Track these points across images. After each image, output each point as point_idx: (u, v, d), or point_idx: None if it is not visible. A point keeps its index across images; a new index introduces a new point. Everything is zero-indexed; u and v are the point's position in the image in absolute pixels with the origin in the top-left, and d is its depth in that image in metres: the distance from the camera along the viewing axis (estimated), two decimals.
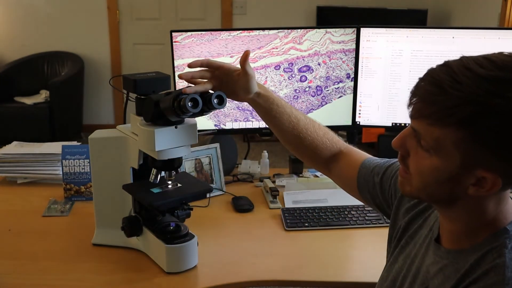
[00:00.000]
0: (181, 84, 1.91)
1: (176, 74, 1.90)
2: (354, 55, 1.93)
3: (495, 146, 0.78)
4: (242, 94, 1.28)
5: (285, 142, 1.33)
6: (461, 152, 0.80)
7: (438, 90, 0.80)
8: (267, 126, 1.96)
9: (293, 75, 1.93)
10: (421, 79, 0.84)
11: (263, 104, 1.29)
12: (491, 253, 0.84)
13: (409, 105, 0.86)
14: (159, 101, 1.29)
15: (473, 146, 0.79)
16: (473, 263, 0.85)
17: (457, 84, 0.78)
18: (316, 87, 1.95)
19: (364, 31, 1.92)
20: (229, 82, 1.29)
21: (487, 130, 0.77)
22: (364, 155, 1.29)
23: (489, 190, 0.82)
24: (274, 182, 1.95)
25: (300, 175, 2.05)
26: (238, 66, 1.27)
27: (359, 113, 1.99)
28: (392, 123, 1.98)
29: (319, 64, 1.93)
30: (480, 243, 0.87)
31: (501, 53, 0.81)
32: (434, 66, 0.84)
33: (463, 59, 0.81)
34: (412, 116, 0.85)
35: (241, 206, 1.78)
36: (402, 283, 1.01)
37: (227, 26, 4.96)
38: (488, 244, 0.86)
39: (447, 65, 0.82)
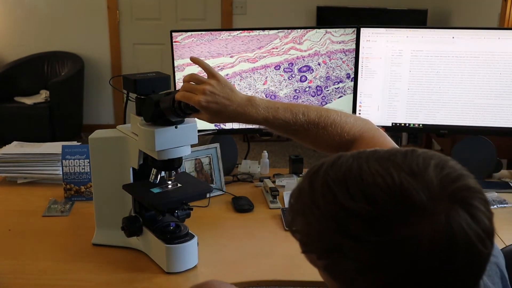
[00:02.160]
0: (181, 84, 1.91)
1: (176, 74, 1.91)
2: (354, 55, 1.93)
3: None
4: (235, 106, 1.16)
5: (303, 143, 1.22)
6: (334, 279, 0.69)
7: (299, 208, 0.70)
8: None
9: (293, 75, 1.93)
10: (298, 185, 0.72)
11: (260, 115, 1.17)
12: None
13: None
14: (159, 101, 1.29)
15: (338, 280, 0.68)
16: None
17: (315, 207, 0.66)
18: (316, 87, 1.95)
19: (364, 31, 1.92)
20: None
21: (342, 271, 0.66)
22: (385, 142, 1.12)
23: None
24: (274, 182, 1.95)
25: (300, 175, 2.05)
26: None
27: (359, 113, 1.99)
28: (392, 123, 1.98)
29: (319, 64, 1.93)
30: None
31: (390, 164, 0.64)
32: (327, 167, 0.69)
33: (350, 166, 0.66)
34: None
35: (241, 206, 1.78)
36: None
37: (227, 26, 4.96)
38: None
39: (323, 173, 0.68)
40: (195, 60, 1.26)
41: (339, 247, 0.63)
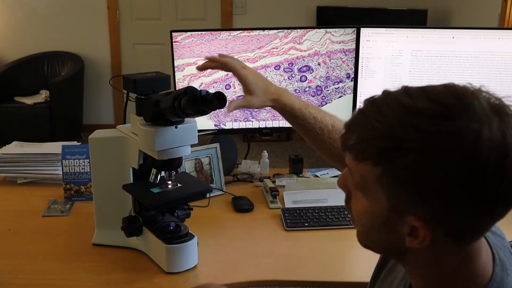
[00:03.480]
0: (181, 84, 1.91)
1: (176, 74, 1.91)
2: (354, 55, 1.93)
3: (414, 187, 0.68)
4: (255, 100, 1.24)
5: (315, 148, 1.28)
6: (386, 192, 0.71)
7: (361, 121, 0.73)
8: (267, 126, 1.98)
9: (293, 75, 1.93)
10: (358, 108, 0.77)
11: (280, 112, 1.25)
12: None
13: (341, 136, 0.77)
14: (159, 101, 1.29)
15: (394, 186, 0.69)
16: None
17: (379, 115, 0.70)
18: (316, 87, 1.95)
19: (364, 31, 1.92)
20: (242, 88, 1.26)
21: (402, 168, 0.68)
22: None
23: (421, 242, 0.71)
24: (274, 182, 1.95)
25: (300, 175, 2.05)
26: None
27: None
28: None
29: (319, 64, 1.93)
30: None
31: (446, 84, 0.73)
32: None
33: (403, 88, 0.75)
34: (342, 150, 0.77)
35: (241, 206, 1.78)
36: None
37: (227, 26, 4.96)
38: None
39: (384, 93, 0.75)
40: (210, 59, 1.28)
41: (401, 143, 0.67)
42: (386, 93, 0.74)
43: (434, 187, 0.67)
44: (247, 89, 1.24)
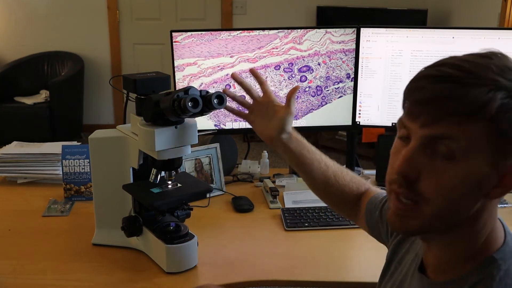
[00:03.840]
0: (181, 84, 1.91)
1: (176, 74, 1.90)
2: (354, 55, 1.93)
3: None
4: (275, 132, 1.21)
5: (313, 188, 1.25)
6: (494, 146, 0.72)
7: (456, 85, 0.72)
8: None
9: (293, 75, 1.93)
10: (418, 83, 0.77)
11: (294, 148, 1.22)
12: (479, 285, 0.77)
13: (413, 112, 0.76)
14: (159, 101, 1.29)
15: (501, 136, 0.72)
16: None
17: (472, 75, 0.72)
18: (316, 87, 1.95)
19: (364, 31, 1.92)
20: (264, 116, 1.24)
21: (508, 123, 0.71)
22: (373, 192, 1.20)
23: (510, 188, 0.76)
24: (274, 182, 1.95)
25: None
26: (276, 98, 1.25)
27: (359, 113, 1.99)
28: (392, 123, 1.98)
29: (319, 64, 1.93)
30: (466, 274, 0.79)
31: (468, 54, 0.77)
32: (422, 69, 0.78)
33: (450, 57, 0.77)
34: (425, 123, 0.75)
35: (241, 206, 1.78)
36: None
37: (227, 26, 4.96)
38: (475, 276, 0.78)
39: (441, 63, 0.76)
40: (236, 78, 1.31)
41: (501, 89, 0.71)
42: (444, 62, 0.77)
43: None
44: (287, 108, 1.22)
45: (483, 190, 0.75)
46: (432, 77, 0.75)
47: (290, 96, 1.21)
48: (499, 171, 0.74)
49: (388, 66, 1.93)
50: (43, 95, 4.69)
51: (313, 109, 1.97)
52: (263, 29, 1.90)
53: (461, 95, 0.72)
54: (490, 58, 0.74)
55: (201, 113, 1.30)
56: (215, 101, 1.28)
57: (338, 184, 1.21)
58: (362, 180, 1.25)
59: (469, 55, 0.76)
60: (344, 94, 1.97)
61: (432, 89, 0.74)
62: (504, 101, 0.71)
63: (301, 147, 1.22)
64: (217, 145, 1.92)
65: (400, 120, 0.81)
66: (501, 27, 3.47)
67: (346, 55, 1.93)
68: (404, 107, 0.79)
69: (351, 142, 2.10)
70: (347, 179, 1.22)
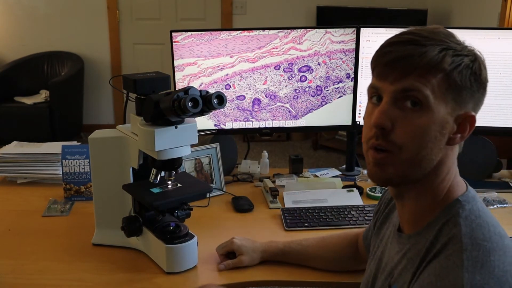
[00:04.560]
0: (181, 84, 1.91)
1: (176, 74, 1.91)
2: (354, 55, 1.93)
3: (469, 83, 0.87)
4: (245, 258, 1.42)
5: (320, 266, 1.42)
6: (447, 95, 0.87)
7: (417, 46, 0.87)
8: (267, 126, 1.98)
9: (293, 75, 1.93)
10: (385, 49, 0.90)
11: (274, 258, 1.43)
12: (447, 225, 0.88)
13: (383, 73, 0.90)
14: (159, 101, 1.29)
15: (455, 87, 0.87)
16: (432, 239, 0.88)
17: (428, 38, 0.88)
18: (316, 87, 1.95)
19: (364, 31, 1.92)
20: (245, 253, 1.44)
21: (463, 67, 0.87)
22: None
23: (470, 130, 0.90)
24: (274, 182, 1.95)
25: (300, 175, 2.05)
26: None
27: (359, 113, 1.99)
28: None
29: (319, 64, 1.93)
30: (435, 218, 0.90)
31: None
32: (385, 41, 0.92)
33: (406, 30, 0.91)
34: (395, 80, 0.88)
35: (241, 206, 1.78)
36: (373, 284, 1.04)
37: (227, 26, 4.96)
38: (444, 217, 0.89)
39: (401, 33, 0.91)
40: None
41: (461, 50, 0.88)
42: (399, 35, 0.91)
43: (478, 79, 0.88)
44: (238, 252, 1.42)
45: (446, 136, 0.89)
46: (396, 43, 0.89)
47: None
48: (456, 118, 0.89)
49: None
50: (43, 95, 4.69)
51: (313, 109, 1.97)
52: (263, 29, 1.90)
53: (421, 53, 0.86)
54: (438, 29, 0.91)
55: (201, 113, 1.30)
56: (215, 101, 1.28)
57: (337, 257, 1.40)
58: (351, 234, 1.41)
59: (421, 28, 0.91)
60: (344, 94, 1.97)
61: (397, 51, 0.88)
62: (454, 58, 0.86)
63: (281, 257, 1.43)
64: (217, 145, 1.93)
65: (370, 85, 0.94)
66: (501, 27, 3.47)
67: (346, 55, 1.93)
68: (374, 72, 0.93)
69: (351, 142, 2.10)
70: (334, 237, 1.43)
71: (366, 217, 1.67)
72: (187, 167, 1.86)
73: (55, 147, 1.99)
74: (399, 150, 0.88)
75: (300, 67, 1.93)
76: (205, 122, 1.93)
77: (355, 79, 1.95)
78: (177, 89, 1.50)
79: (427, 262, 0.87)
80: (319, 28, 1.91)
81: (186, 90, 1.27)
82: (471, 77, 0.88)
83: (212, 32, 1.88)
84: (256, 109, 1.95)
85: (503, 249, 0.84)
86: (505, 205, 1.79)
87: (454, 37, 0.90)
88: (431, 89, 0.86)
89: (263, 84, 1.93)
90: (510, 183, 1.97)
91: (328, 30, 1.91)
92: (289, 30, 1.90)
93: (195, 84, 1.91)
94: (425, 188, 0.92)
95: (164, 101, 1.27)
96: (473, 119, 0.90)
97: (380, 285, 1.00)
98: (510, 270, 0.81)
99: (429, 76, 0.86)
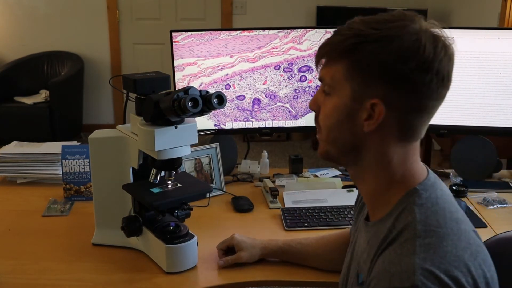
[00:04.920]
0: (181, 84, 1.91)
1: (176, 74, 1.91)
2: None
3: (374, 71, 0.87)
4: (244, 254, 1.43)
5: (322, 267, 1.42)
6: (351, 83, 0.90)
7: (332, 36, 0.94)
8: (267, 126, 1.98)
9: (293, 75, 1.93)
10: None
11: (274, 257, 1.45)
12: (403, 213, 0.89)
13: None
14: (159, 101, 1.29)
15: (359, 74, 0.89)
16: (390, 227, 0.90)
17: (349, 28, 0.92)
18: (316, 87, 1.95)
19: None
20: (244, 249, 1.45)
21: (367, 55, 0.87)
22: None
23: (377, 119, 0.89)
24: (274, 182, 1.95)
25: (300, 175, 2.05)
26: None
27: None
28: None
29: None
30: (394, 207, 0.92)
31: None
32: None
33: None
34: (318, 69, 0.97)
35: (241, 206, 1.78)
36: (347, 273, 1.07)
37: (227, 26, 4.96)
38: (401, 206, 0.91)
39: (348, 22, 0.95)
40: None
41: (365, 37, 0.88)
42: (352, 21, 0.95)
43: (388, 68, 0.86)
44: (237, 247, 1.43)
45: (356, 122, 0.91)
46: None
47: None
48: (365, 106, 0.89)
49: None
50: (43, 95, 4.69)
51: None
52: (263, 29, 1.90)
53: (330, 42, 0.93)
54: (378, 15, 0.94)
55: (201, 113, 1.30)
56: (215, 101, 1.28)
57: (334, 253, 1.38)
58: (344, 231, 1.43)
59: (367, 17, 0.96)
60: None
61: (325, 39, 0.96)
62: (360, 45, 0.88)
63: (279, 256, 1.44)
64: (217, 145, 1.92)
65: None
66: (501, 27, 3.47)
67: None
68: None
69: None
70: (333, 236, 1.43)
71: None
72: (187, 167, 1.86)
73: (55, 147, 1.99)
74: (320, 130, 0.98)
75: (300, 67, 1.93)
76: (205, 122, 1.93)
77: None
78: (177, 89, 1.50)
79: (383, 249, 0.89)
80: (319, 28, 1.91)
81: (186, 90, 1.27)
82: (378, 65, 0.87)
83: (212, 32, 1.88)
84: (256, 109, 1.95)
85: (458, 235, 0.86)
86: (505, 205, 1.79)
87: (377, 23, 0.91)
88: (332, 78, 0.92)
89: (263, 84, 1.93)
90: (510, 183, 1.97)
91: (328, 30, 1.91)
92: (289, 30, 1.90)
93: (195, 84, 1.91)
94: (369, 174, 0.96)
95: (164, 101, 1.27)
96: (379, 108, 0.88)
97: (352, 274, 1.03)
98: (463, 255, 0.83)
99: (331, 65, 0.92)
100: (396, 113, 0.89)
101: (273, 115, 1.97)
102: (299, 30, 1.90)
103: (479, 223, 1.67)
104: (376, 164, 0.93)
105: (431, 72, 0.87)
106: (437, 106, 0.92)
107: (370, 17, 0.92)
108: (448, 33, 0.95)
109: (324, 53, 0.93)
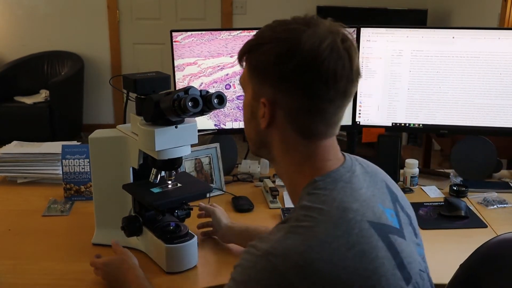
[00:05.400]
0: (181, 84, 1.91)
1: (176, 74, 1.90)
2: None
3: (264, 71, 0.92)
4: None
5: None
6: (251, 82, 0.96)
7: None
8: None
9: None
10: None
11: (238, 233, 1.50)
12: (299, 202, 0.92)
13: None
14: (159, 101, 1.29)
15: (255, 75, 0.94)
16: (289, 215, 0.93)
17: (257, 31, 0.96)
18: None
19: (364, 31, 1.92)
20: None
21: (258, 56, 0.93)
22: None
23: (267, 116, 0.94)
24: (274, 182, 1.95)
25: None
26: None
27: (359, 113, 1.99)
28: (392, 123, 1.98)
29: None
30: (300, 198, 0.95)
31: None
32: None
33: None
34: None
35: (241, 206, 1.78)
36: None
37: (227, 26, 4.96)
38: (301, 196, 0.94)
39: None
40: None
41: (261, 39, 0.94)
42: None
43: (270, 69, 0.91)
44: (214, 225, 1.53)
45: (257, 120, 0.96)
46: None
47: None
48: (260, 104, 0.94)
49: (388, 66, 1.93)
50: (43, 95, 4.69)
51: None
52: None
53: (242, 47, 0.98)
54: (286, 20, 0.96)
55: (201, 113, 1.30)
56: (215, 101, 1.28)
57: None
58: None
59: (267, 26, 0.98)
60: None
61: None
62: (254, 47, 0.94)
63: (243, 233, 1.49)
64: (217, 145, 1.92)
65: None
66: (501, 27, 3.47)
67: None
68: None
69: (351, 142, 2.10)
70: None
71: None
72: (187, 167, 1.86)
73: (55, 147, 1.99)
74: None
75: None
76: (205, 122, 1.92)
77: None
78: (177, 89, 1.50)
79: None
80: None
81: (186, 90, 1.27)
82: (264, 66, 0.92)
83: (212, 32, 1.88)
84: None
85: (336, 223, 0.86)
86: (505, 205, 1.79)
87: (278, 26, 0.93)
88: (243, 77, 0.98)
89: None
90: (510, 183, 1.97)
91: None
92: None
93: (195, 84, 1.91)
94: (282, 168, 1.00)
95: (164, 101, 1.27)
96: (267, 107, 0.93)
97: None
98: (331, 242, 0.84)
99: (242, 65, 0.98)
100: (284, 112, 0.93)
101: None
102: None
103: (479, 223, 1.67)
104: (283, 159, 0.98)
105: (310, 72, 0.88)
106: (331, 108, 0.93)
107: (276, 21, 0.95)
108: (350, 31, 0.97)
109: (237, 56, 0.99)
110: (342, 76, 0.89)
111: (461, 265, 1.13)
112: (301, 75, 0.89)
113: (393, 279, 0.86)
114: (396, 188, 1.04)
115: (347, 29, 0.94)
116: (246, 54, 0.96)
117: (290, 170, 0.98)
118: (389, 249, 0.88)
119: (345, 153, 1.01)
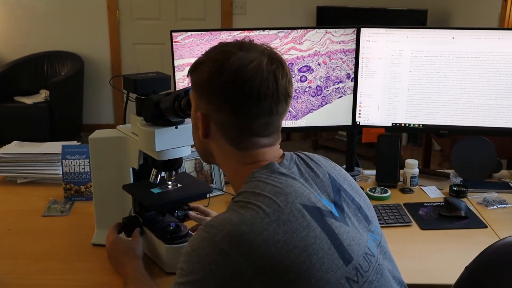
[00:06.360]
0: (181, 84, 1.91)
1: (176, 74, 1.91)
2: (354, 55, 1.93)
3: (198, 88, 1.03)
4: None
5: None
6: (195, 97, 1.05)
7: None
8: None
9: (293, 75, 1.93)
10: None
11: None
12: (238, 196, 0.99)
13: None
14: (160, 101, 1.29)
15: (195, 90, 1.05)
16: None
17: (199, 57, 1.06)
18: (316, 87, 1.95)
19: (364, 31, 1.92)
20: None
21: (195, 75, 1.03)
22: None
23: (202, 128, 1.04)
24: None
25: None
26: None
27: (359, 113, 1.99)
28: (392, 123, 1.98)
29: (319, 64, 1.93)
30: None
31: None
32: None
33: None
34: None
35: None
36: None
37: (227, 26, 4.96)
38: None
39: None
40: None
41: (199, 61, 1.05)
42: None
43: (201, 85, 1.02)
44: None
45: (198, 131, 1.06)
46: None
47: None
48: (198, 116, 1.04)
49: (388, 66, 1.93)
50: (43, 95, 4.69)
51: (313, 109, 1.97)
52: (263, 29, 1.90)
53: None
54: (226, 42, 1.06)
55: None
56: None
57: None
58: None
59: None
60: (344, 94, 1.97)
61: None
62: (195, 67, 1.04)
63: None
64: None
65: None
66: (501, 27, 3.47)
67: (346, 55, 1.93)
68: None
69: (351, 142, 2.10)
70: None
71: None
72: (187, 167, 1.86)
73: (55, 147, 1.99)
74: None
75: (300, 67, 1.93)
76: None
77: (355, 80, 1.95)
78: (177, 89, 1.50)
79: None
80: (319, 28, 1.91)
81: (186, 90, 1.27)
82: (203, 82, 1.01)
83: (212, 32, 1.88)
84: None
85: (269, 203, 0.94)
86: (505, 205, 1.80)
87: (222, 47, 1.03)
88: (191, 92, 1.08)
89: None
90: (510, 184, 1.97)
91: (328, 30, 1.91)
92: (289, 30, 1.90)
93: None
94: (227, 174, 1.09)
95: (164, 101, 1.27)
96: (201, 119, 1.03)
97: None
98: (263, 218, 0.92)
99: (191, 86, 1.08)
100: (216, 126, 1.03)
101: None
102: (299, 30, 1.90)
103: (479, 223, 1.67)
104: (224, 166, 1.09)
105: (234, 90, 0.97)
106: (257, 125, 1.00)
107: (219, 43, 1.05)
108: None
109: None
110: (266, 95, 0.97)
111: (466, 267, 1.13)
112: (226, 92, 0.98)
113: (328, 258, 0.92)
114: (343, 179, 1.11)
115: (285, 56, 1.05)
116: (190, 72, 1.06)
117: (231, 175, 1.08)
118: (325, 231, 0.94)
119: (287, 152, 1.08)
